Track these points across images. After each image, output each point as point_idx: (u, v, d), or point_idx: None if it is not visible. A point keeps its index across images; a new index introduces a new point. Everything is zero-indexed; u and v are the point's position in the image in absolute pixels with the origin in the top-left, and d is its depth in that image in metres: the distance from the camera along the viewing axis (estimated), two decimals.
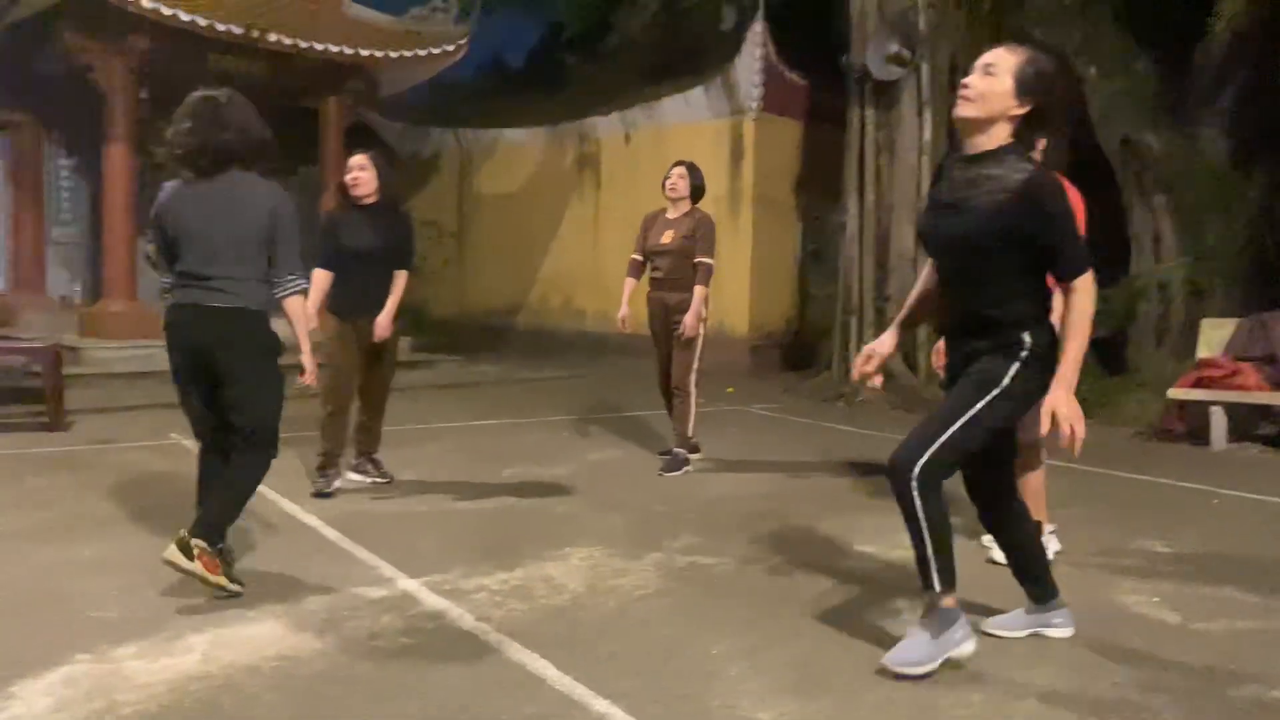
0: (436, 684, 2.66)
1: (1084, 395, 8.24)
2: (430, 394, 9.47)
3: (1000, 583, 3.31)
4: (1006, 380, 2.66)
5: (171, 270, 3.51)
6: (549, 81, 16.87)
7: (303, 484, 4.99)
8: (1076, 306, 2.62)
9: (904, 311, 3.10)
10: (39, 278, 12.83)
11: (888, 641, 2.89)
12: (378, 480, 5.18)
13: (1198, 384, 7.14)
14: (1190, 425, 7.27)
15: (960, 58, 9.95)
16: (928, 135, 9.97)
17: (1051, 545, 3.95)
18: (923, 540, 2.66)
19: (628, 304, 5.93)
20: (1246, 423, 7.23)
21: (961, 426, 2.65)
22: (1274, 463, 6.61)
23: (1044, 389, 2.66)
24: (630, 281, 6.00)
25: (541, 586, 3.55)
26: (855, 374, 3.08)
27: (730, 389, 9.72)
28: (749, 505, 4.94)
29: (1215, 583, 3.72)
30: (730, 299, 12.06)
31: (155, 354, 9.85)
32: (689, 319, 5.56)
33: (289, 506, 4.65)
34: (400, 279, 4.99)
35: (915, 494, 2.61)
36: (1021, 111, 2.63)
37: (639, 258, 5.94)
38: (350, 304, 4.90)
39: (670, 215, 5.84)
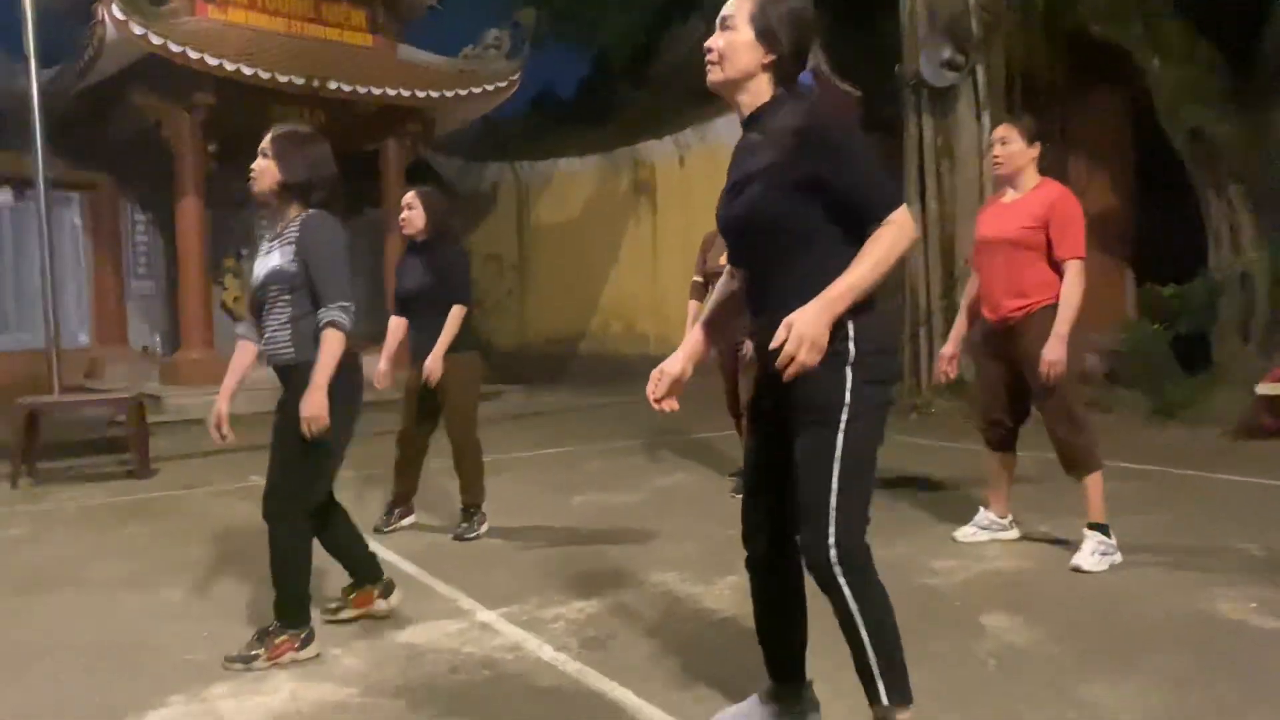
0: (518, 714, 2.67)
1: (1167, 395, 7.99)
2: (497, 425, 9.55)
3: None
4: (847, 403, 2.14)
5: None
6: (600, 110, 17.06)
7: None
8: (882, 235, 2.09)
9: (705, 313, 2.65)
10: (120, 330, 13.34)
11: (953, 663, 2.82)
12: (465, 537, 4.84)
13: None
14: None
15: (1016, 59, 9.81)
16: (987, 140, 9.80)
17: (1109, 558, 3.91)
18: (861, 639, 2.16)
19: (693, 327, 5.90)
20: None
21: (843, 479, 2.14)
22: None
23: (887, 385, 2.24)
24: (693, 305, 5.94)
25: (618, 614, 3.55)
26: (655, 402, 2.55)
27: None
28: None
29: None
30: None
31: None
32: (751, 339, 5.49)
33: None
34: (454, 315, 4.74)
35: (841, 580, 2.14)
36: (774, 58, 2.21)
37: (700, 279, 5.88)
38: (414, 346, 4.87)
39: None
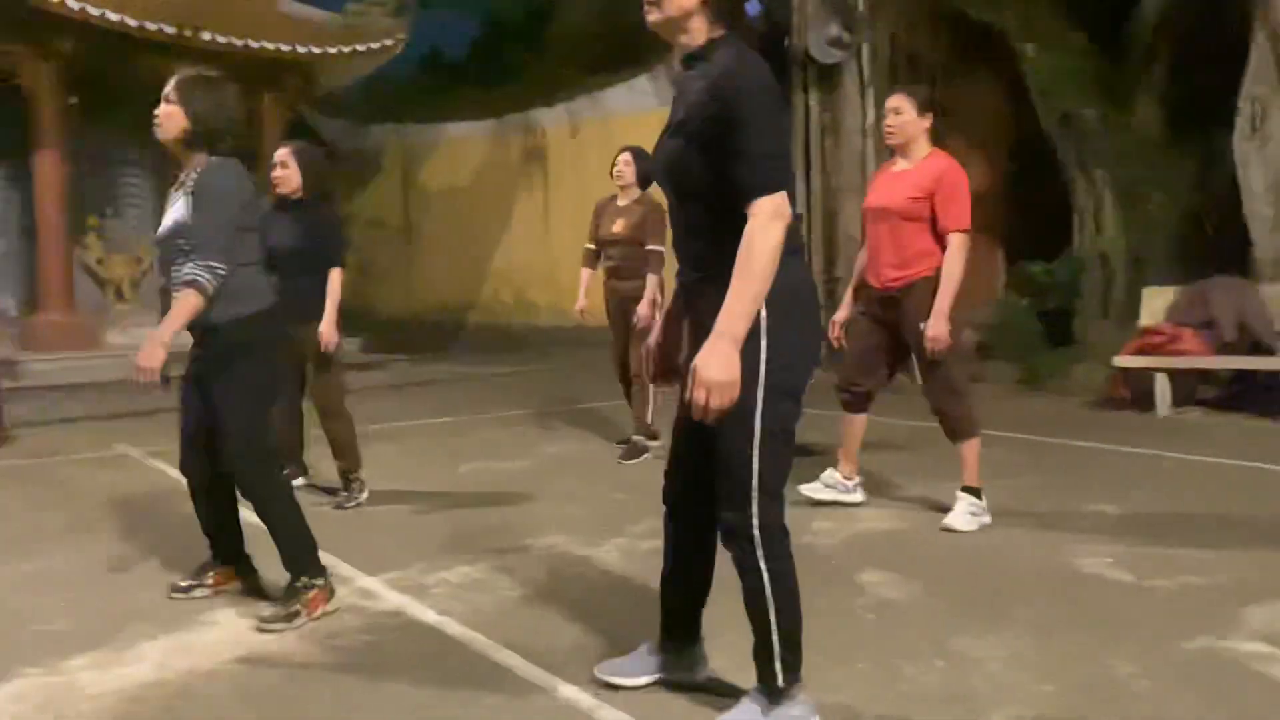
0: (400, 680, 2.63)
1: (1034, 367, 8.36)
2: (382, 394, 9.36)
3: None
4: (763, 360, 2.10)
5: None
6: (491, 74, 16.77)
7: None
8: (747, 238, 2.01)
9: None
10: None
11: (834, 620, 2.91)
12: (345, 506, 4.71)
13: (1141, 351, 7.29)
14: (1136, 392, 7.42)
15: (900, 39, 10.05)
16: (871, 117, 10.04)
17: (979, 519, 4.07)
18: (768, 620, 2.17)
19: (585, 295, 5.90)
20: (1189, 388, 7.40)
21: (763, 460, 2.12)
22: (1215, 425, 6.77)
23: (809, 336, 2.22)
24: (586, 272, 5.96)
25: (503, 578, 3.52)
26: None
27: None
28: None
29: (1164, 542, 3.80)
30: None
31: (96, 364, 9.69)
32: (643, 308, 5.51)
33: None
34: (335, 278, 4.64)
35: (761, 561, 2.14)
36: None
37: (593, 247, 5.90)
38: (285, 309, 4.70)
39: (621, 202, 5.81)
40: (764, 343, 2.09)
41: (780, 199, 2.03)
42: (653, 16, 2.19)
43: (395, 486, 5.11)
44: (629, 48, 14.09)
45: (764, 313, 2.06)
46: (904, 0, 10.09)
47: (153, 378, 2.87)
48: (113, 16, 10.04)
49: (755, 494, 2.12)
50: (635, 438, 5.79)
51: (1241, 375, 7.37)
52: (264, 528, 3.16)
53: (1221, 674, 2.57)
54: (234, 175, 3.09)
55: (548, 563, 3.71)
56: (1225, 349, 7.10)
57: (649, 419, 5.76)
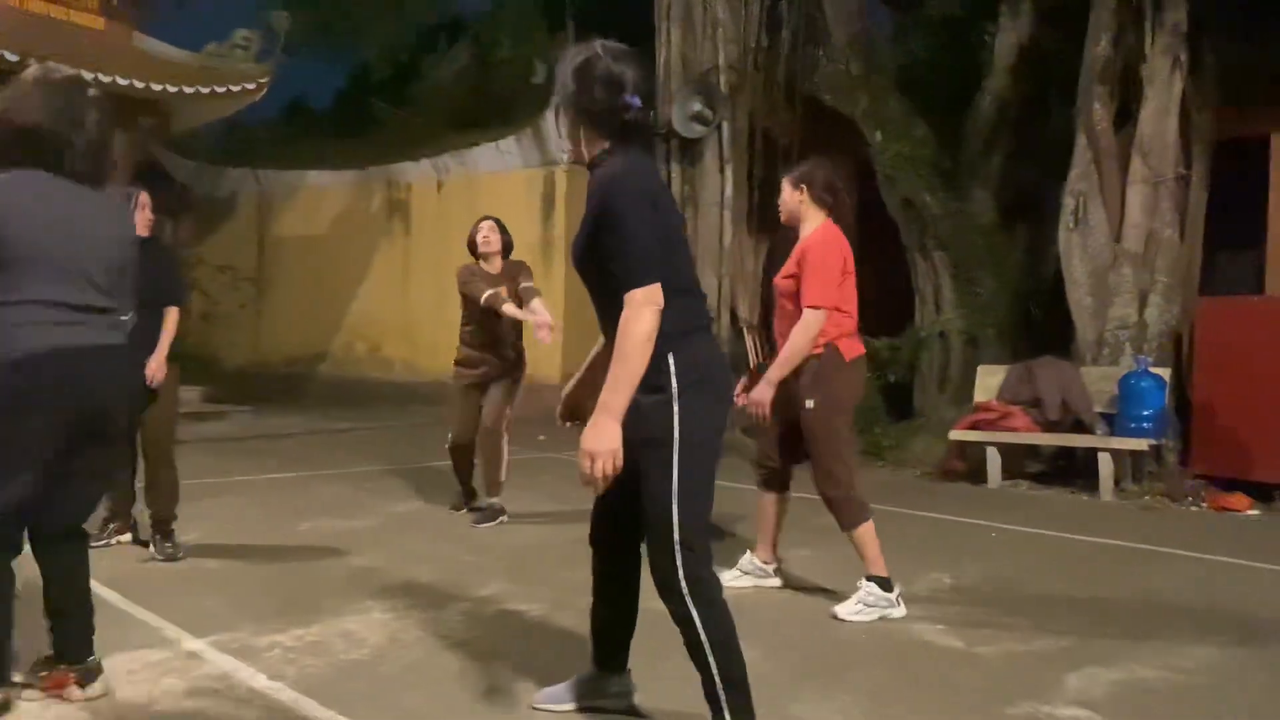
0: None
1: (877, 438, 8.63)
2: (222, 447, 8.94)
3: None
4: (676, 439, 2.31)
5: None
6: (356, 126, 16.55)
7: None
8: (621, 324, 2.24)
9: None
10: None
11: (675, 684, 2.92)
12: (157, 558, 4.52)
13: (974, 426, 7.70)
14: (970, 465, 7.81)
15: (758, 118, 10.49)
16: (729, 190, 10.40)
17: (876, 610, 3.82)
18: (708, 664, 2.33)
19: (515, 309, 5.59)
20: (1018, 461, 7.85)
21: (683, 513, 2.31)
22: (1042, 498, 7.19)
23: (716, 405, 2.40)
24: (509, 305, 5.51)
25: (340, 641, 3.39)
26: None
27: (542, 437, 9.68)
28: (560, 551, 4.89)
29: (992, 610, 3.99)
30: (543, 347, 12.00)
31: None
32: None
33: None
34: (174, 317, 4.54)
35: (693, 610, 2.31)
36: (585, 121, 2.41)
37: (503, 294, 5.55)
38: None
39: (490, 271, 5.74)
40: (676, 408, 2.31)
41: (650, 290, 2.23)
42: (573, 157, 2.49)
43: (230, 545, 4.86)
44: (498, 109, 14.22)
45: (674, 385, 2.31)
46: (763, 81, 10.55)
47: None
48: None
49: (678, 549, 2.31)
50: (490, 501, 5.70)
51: (1065, 451, 7.87)
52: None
53: None
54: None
55: (389, 626, 3.59)
56: (1050, 426, 7.58)
57: (502, 478, 5.68)
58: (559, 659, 3.20)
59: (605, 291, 2.36)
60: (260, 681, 2.97)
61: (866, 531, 3.87)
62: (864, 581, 3.85)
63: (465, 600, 3.95)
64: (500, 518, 5.61)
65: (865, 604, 3.81)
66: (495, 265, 5.75)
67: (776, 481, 4.17)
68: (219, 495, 6.28)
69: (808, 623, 3.76)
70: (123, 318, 2.88)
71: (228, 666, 3.10)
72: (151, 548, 4.59)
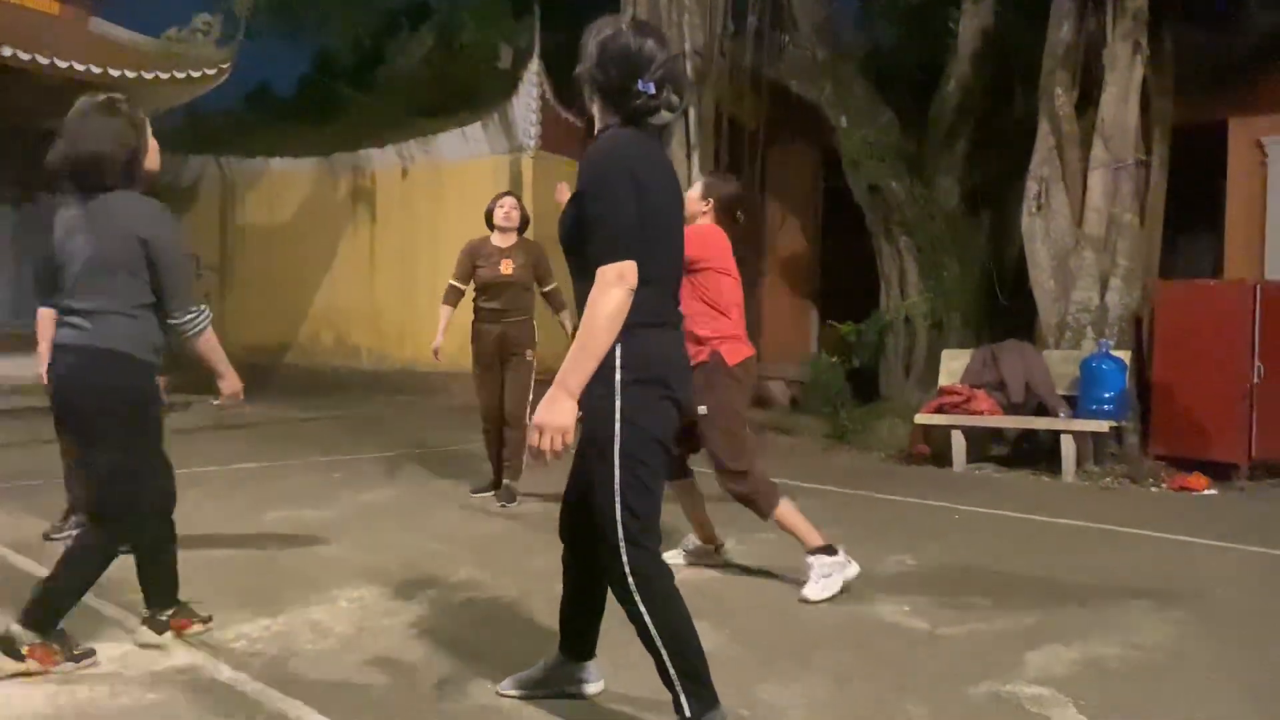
0: None
1: (843, 423, 8.70)
2: (186, 437, 8.83)
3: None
4: (618, 432, 2.27)
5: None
6: (320, 112, 16.35)
7: (37, 532, 4.56)
8: (589, 300, 2.21)
9: None
10: None
11: (643, 671, 2.93)
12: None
13: (939, 410, 7.77)
14: (934, 448, 7.89)
15: (724, 104, 10.49)
16: (696, 175, 10.41)
17: (834, 578, 3.90)
18: (659, 650, 2.30)
19: (443, 335, 5.81)
20: (982, 444, 7.95)
21: (625, 506, 2.29)
22: (1005, 480, 7.28)
23: (659, 402, 2.34)
24: (446, 310, 5.85)
25: (306, 632, 3.37)
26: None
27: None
28: (527, 539, 4.90)
29: (955, 591, 4.04)
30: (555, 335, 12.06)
31: None
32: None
33: (17, 559, 4.20)
34: None
35: (637, 597, 2.28)
36: (598, 95, 2.39)
37: (460, 285, 5.83)
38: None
39: (500, 244, 5.78)
40: (618, 401, 2.26)
41: (623, 267, 2.18)
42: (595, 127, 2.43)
43: (195, 532, 4.80)
44: (463, 96, 14.09)
45: (618, 376, 2.26)
46: (728, 69, 10.54)
47: None
48: None
49: (622, 545, 2.28)
50: (509, 483, 5.78)
51: (1028, 434, 7.97)
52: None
53: (1005, 717, 2.74)
54: None
55: (355, 616, 3.58)
56: (1014, 409, 7.67)
57: (522, 465, 5.76)
58: (527, 646, 3.20)
59: (587, 276, 2.24)
60: (225, 673, 2.95)
61: (787, 512, 3.95)
62: (809, 558, 3.92)
63: (432, 588, 3.94)
64: (518, 499, 5.76)
65: (822, 576, 3.88)
66: (510, 239, 5.82)
67: (677, 470, 4.15)
68: (184, 486, 6.16)
69: (773, 607, 3.79)
70: (173, 318, 3.24)
71: (192, 659, 3.07)
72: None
